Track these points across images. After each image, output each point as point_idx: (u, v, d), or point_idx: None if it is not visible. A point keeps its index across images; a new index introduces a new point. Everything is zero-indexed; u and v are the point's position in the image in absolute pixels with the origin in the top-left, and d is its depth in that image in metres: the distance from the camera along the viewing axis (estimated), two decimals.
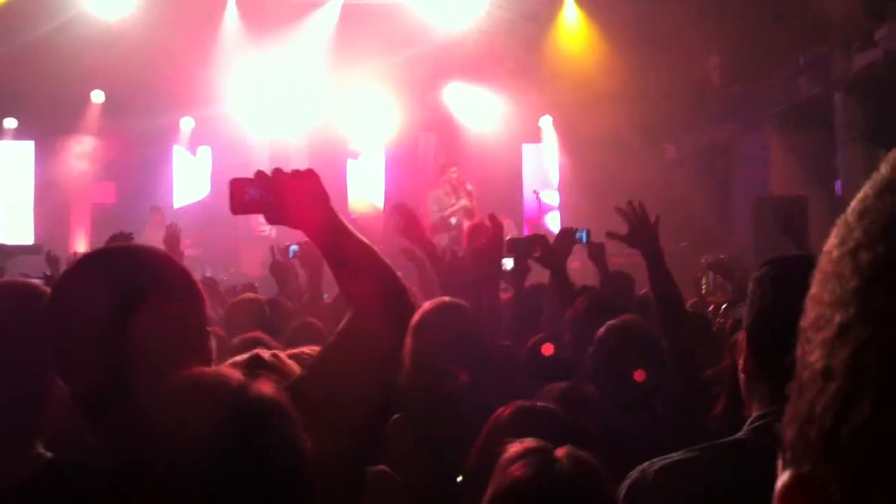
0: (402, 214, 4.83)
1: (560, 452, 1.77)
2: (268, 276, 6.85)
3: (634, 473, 1.92)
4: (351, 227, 1.99)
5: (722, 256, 9.64)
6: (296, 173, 1.95)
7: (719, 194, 13.60)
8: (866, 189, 0.56)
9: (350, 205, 15.29)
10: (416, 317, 3.17)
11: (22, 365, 1.95)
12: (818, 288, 0.57)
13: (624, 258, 11.36)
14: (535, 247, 4.62)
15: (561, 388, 2.99)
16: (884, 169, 0.56)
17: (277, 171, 1.95)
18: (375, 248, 2.00)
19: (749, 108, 12.82)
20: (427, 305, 3.29)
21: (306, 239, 2.40)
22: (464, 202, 11.95)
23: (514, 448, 1.81)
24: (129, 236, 4.69)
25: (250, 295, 5.53)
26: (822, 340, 0.54)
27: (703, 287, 8.49)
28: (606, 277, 5.30)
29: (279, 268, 5.59)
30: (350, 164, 15.73)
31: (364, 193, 15.64)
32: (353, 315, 1.91)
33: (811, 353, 0.55)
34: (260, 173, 1.95)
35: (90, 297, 1.61)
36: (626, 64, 13.22)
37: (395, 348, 2.03)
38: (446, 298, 3.45)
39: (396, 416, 2.91)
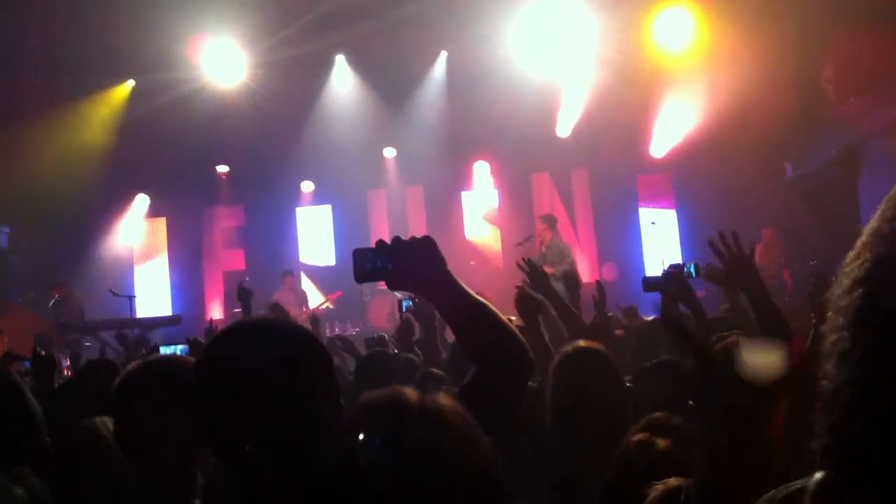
0: (530, 271, 4.99)
1: None
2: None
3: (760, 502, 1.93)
4: (467, 289, 2.05)
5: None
6: (413, 241, 2.04)
7: (845, 208, 13.16)
8: None
9: (467, 234, 15.47)
10: (554, 364, 3.32)
11: (181, 436, 2.09)
12: (837, 300, 0.63)
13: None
14: (671, 283, 4.58)
15: None
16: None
17: (396, 240, 2.03)
18: (492, 305, 2.07)
19: (869, 117, 12.41)
20: (567, 349, 3.38)
21: None
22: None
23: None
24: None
25: (380, 350, 5.68)
26: (839, 354, 0.60)
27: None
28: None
29: (402, 326, 5.82)
30: (465, 197, 15.96)
31: (479, 226, 15.84)
32: (476, 372, 2.00)
33: (833, 369, 0.62)
34: (380, 242, 2.04)
35: (231, 376, 1.69)
36: (737, 81, 12.98)
37: (517, 403, 2.07)
38: (583, 343, 3.51)
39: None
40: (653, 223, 13.94)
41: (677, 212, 15.10)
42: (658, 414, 2.51)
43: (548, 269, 12.51)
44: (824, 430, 0.63)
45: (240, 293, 6.75)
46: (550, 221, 13.00)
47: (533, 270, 5.03)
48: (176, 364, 2.35)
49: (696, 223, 14.29)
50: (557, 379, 3.30)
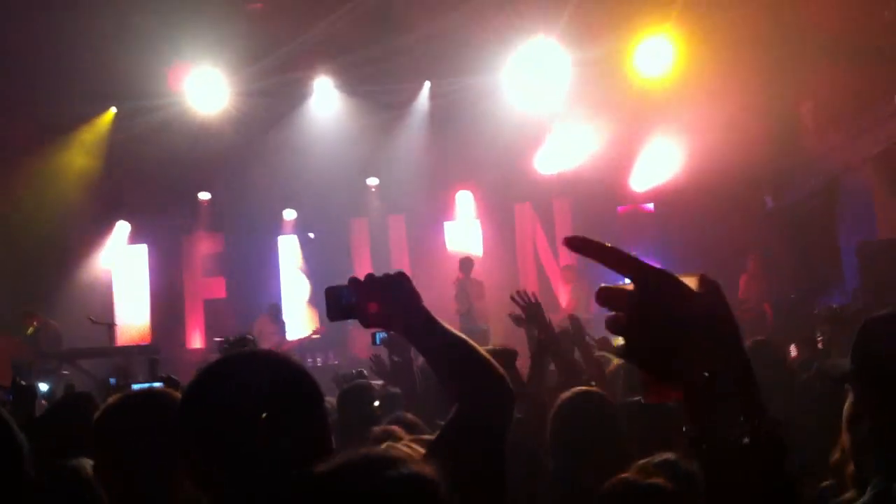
0: (524, 304, 4.92)
1: None
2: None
3: None
4: (443, 323, 2.03)
5: (835, 306, 9.33)
6: (386, 277, 2.02)
7: (824, 240, 13.27)
8: None
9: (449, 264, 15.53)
10: (557, 406, 3.33)
11: (163, 468, 2.08)
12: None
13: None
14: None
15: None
16: None
17: (369, 276, 2.02)
18: (469, 340, 2.05)
19: (847, 150, 12.55)
20: (566, 394, 3.38)
21: None
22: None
23: None
24: (249, 341, 4.83)
25: (361, 382, 5.66)
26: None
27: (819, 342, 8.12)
28: None
29: (374, 363, 5.87)
30: (448, 227, 16.01)
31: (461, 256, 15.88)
32: (457, 409, 1.98)
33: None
34: (352, 280, 2.03)
35: (220, 409, 1.68)
36: (716, 114, 13.10)
37: (499, 436, 2.02)
38: (583, 388, 3.50)
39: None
40: (634, 256, 13.97)
41: (660, 244, 15.14)
42: (645, 461, 2.50)
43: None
44: None
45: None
46: (463, 264, 13.81)
47: (527, 303, 4.94)
48: (156, 397, 2.34)
49: (679, 254, 14.34)
50: (556, 426, 3.29)
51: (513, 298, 5.03)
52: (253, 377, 1.73)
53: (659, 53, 13.58)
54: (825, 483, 2.82)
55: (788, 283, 12.84)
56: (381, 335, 5.12)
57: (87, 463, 2.40)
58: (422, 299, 2.03)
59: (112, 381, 7.72)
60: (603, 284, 1.14)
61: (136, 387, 5.06)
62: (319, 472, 1.38)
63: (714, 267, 13.22)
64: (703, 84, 12.95)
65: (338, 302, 2.05)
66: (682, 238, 14.26)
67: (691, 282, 1.14)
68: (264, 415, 1.65)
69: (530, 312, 4.88)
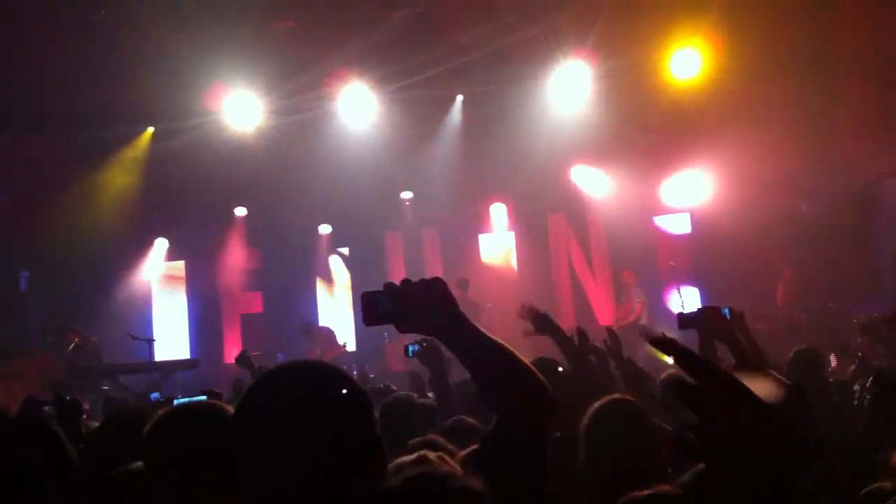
0: (531, 317, 4.87)
1: None
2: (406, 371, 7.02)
3: None
4: (481, 329, 2.03)
5: (875, 315, 9.22)
6: (422, 282, 2.03)
7: (860, 247, 13.14)
8: None
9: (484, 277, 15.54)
10: (588, 416, 3.26)
11: (213, 482, 2.10)
12: None
13: (763, 323, 11.18)
14: (707, 321, 4.50)
15: None
16: None
17: (406, 282, 2.03)
18: (508, 345, 2.04)
19: (881, 159, 12.44)
20: (598, 404, 3.31)
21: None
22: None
23: None
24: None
25: (401, 395, 5.69)
26: None
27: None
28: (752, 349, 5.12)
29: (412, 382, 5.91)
30: (482, 239, 16.01)
31: (495, 268, 15.88)
32: (497, 418, 1.99)
33: None
34: (388, 285, 2.03)
35: (270, 421, 1.68)
36: (750, 121, 13.03)
37: (540, 445, 2.02)
38: (617, 395, 3.45)
39: None
40: (672, 264, 13.91)
41: (695, 253, 15.06)
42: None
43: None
44: None
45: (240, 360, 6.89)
46: (460, 283, 13.79)
47: (534, 317, 4.88)
48: (206, 409, 2.38)
49: (714, 263, 14.26)
50: (589, 434, 3.25)
51: (520, 314, 4.99)
52: (305, 387, 1.73)
53: (691, 63, 13.54)
54: (880, 484, 2.80)
55: (824, 292, 12.71)
56: (413, 347, 5.10)
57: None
58: (458, 305, 2.02)
59: (154, 396, 7.84)
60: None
61: (178, 401, 5.14)
62: (380, 491, 1.45)
63: (749, 276, 13.16)
64: (735, 92, 12.91)
65: (373, 307, 2.04)
66: (717, 247, 14.16)
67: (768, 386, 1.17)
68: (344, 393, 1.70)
69: (540, 323, 4.84)
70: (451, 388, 4.97)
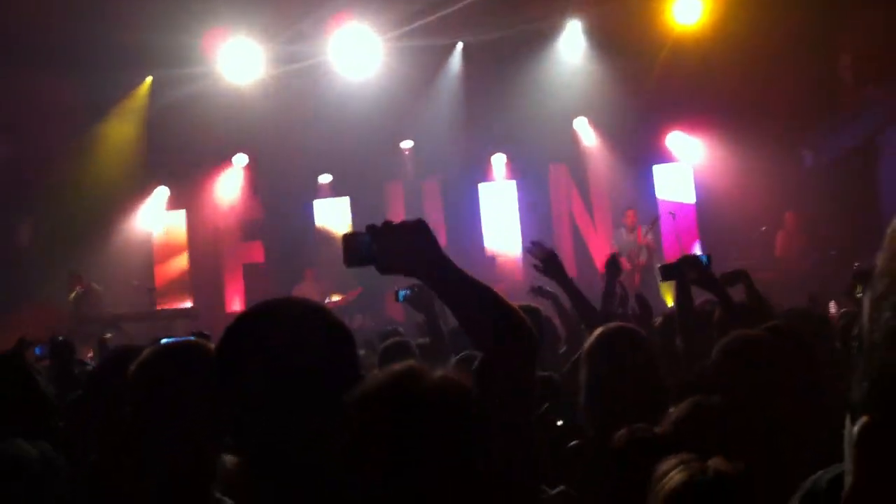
0: (539, 255, 4.87)
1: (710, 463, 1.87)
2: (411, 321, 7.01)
3: (807, 483, 1.95)
4: (464, 272, 2.02)
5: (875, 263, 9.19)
6: (403, 224, 2.03)
7: (865, 197, 13.08)
8: None
9: (486, 243, 15.53)
10: (590, 343, 3.26)
11: (199, 421, 2.12)
12: (888, 263, 0.66)
13: (768, 273, 11.17)
14: (690, 270, 4.50)
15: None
16: None
17: (387, 224, 2.03)
18: (491, 286, 2.04)
19: (887, 104, 12.32)
20: (600, 330, 3.30)
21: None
22: (643, 245, 13.69)
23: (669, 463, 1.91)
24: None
25: (398, 339, 5.72)
26: (893, 304, 0.63)
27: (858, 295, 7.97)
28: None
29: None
30: (482, 189, 16.00)
31: (498, 224, 15.83)
32: (482, 358, 1.98)
33: (882, 316, 0.64)
34: (370, 227, 2.04)
35: (258, 353, 1.70)
36: (753, 69, 12.91)
37: (526, 382, 2.04)
38: (617, 324, 3.44)
39: (575, 442, 2.97)
40: (672, 214, 13.87)
41: (697, 201, 15.03)
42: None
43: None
44: (869, 373, 0.66)
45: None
46: None
47: (543, 254, 4.89)
48: (191, 347, 2.37)
49: (716, 213, 14.23)
50: (592, 355, 3.20)
51: (529, 251, 4.97)
52: (288, 320, 1.76)
53: (693, 8, 13.38)
54: None
55: (828, 241, 12.68)
56: (403, 292, 5.14)
57: None
58: (440, 245, 2.03)
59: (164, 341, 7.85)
60: None
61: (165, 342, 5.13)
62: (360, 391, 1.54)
63: (751, 224, 13.13)
64: (737, 37, 12.75)
65: (355, 248, 2.05)
66: (719, 196, 14.12)
67: None
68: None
69: (549, 265, 4.83)
70: (443, 333, 4.99)
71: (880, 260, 0.69)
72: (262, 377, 1.67)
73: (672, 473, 1.90)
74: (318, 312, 1.80)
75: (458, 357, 3.88)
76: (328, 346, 1.74)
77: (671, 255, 13.73)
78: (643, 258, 13.60)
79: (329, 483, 1.59)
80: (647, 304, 5.48)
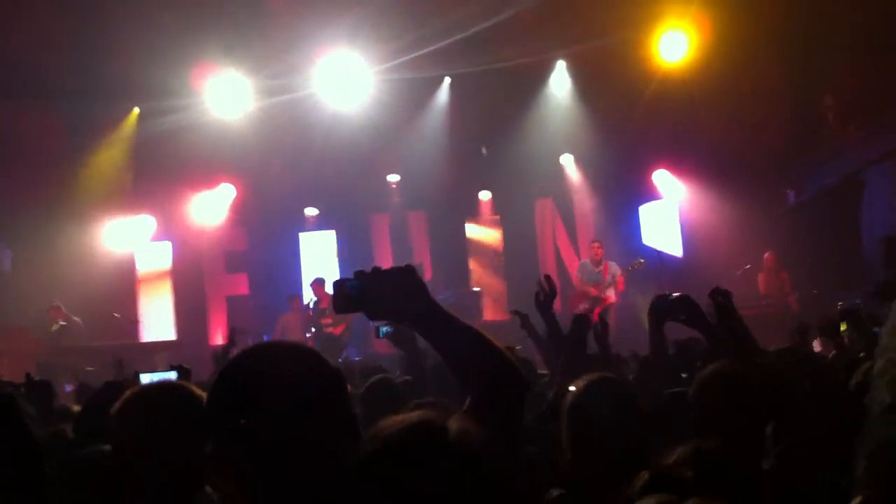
0: (545, 287, 4.98)
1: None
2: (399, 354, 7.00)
3: None
4: (452, 316, 2.03)
5: (858, 302, 9.21)
6: (393, 270, 2.03)
7: (848, 235, 13.18)
8: None
9: (471, 277, 15.55)
10: (570, 398, 3.15)
11: (180, 462, 2.12)
12: (889, 338, 0.66)
13: (752, 310, 11.20)
14: (680, 309, 4.50)
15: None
16: None
17: (376, 270, 2.03)
18: (480, 330, 2.04)
19: (869, 144, 12.45)
20: (580, 384, 3.18)
21: None
22: (608, 280, 13.37)
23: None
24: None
25: (382, 375, 5.71)
26: (888, 382, 0.64)
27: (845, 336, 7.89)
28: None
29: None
30: (468, 228, 16.02)
31: (485, 256, 15.87)
32: (471, 400, 1.97)
33: (877, 394, 0.65)
34: (359, 272, 2.03)
35: (250, 397, 1.70)
36: (737, 107, 13.03)
37: (514, 424, 2.04)
38: (596, 375, 3.41)
39: (559, 492, 2.95)
40: (661, 260, 13.92)
41: (682, 238, 15.11)
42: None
43: (328, 320, 13.53)
44: (867, 450, 0.67)
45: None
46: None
47: (546, 288, 5.00)
48: (172, 388, 2.37)
49: (699, 249, 14.31)
50: (574, 410, 3.17)
51: (540, 283, 5.03)
52: (278, 367, 1.76)
53: (678, 47, 13.53)
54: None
55: (810, 279, 12.76)
56: (385, 329, 5.10)
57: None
58: (429, 292, 2.03)
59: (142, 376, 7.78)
60: None
61: (145, 377, 5.09)
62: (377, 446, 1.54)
63: (735, 261, 13.20)
64: (722, 77, 12.89)
65: (344, 294, 2.05)
66: (703, 234, 14.21)
67: None
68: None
69: (546, 301, 4.96)
70: (425, 369, 4.99)
71: (884, 334, 0.70)
72: (255, 419, 1.67)
73: None
74: (310, 355, 1.81)
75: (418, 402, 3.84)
76: (321, 388, 1.75)
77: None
78: (609, 295, 13.36)
79: None
80: (605, 324, 5.51)
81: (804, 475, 3.02)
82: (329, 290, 13.72)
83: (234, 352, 6.62)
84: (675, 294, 4.61)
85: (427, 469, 1.50)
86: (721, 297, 4.40)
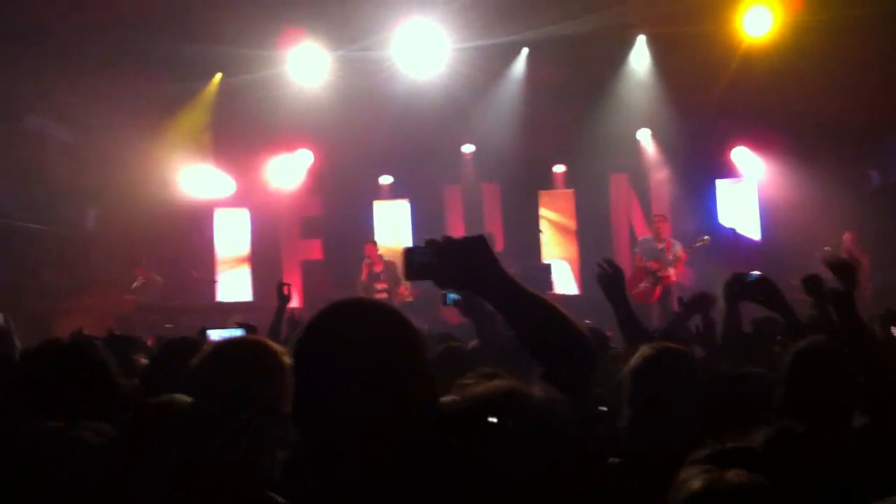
0: (610, 271, 4.77)
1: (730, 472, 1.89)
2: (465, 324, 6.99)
3: None
4: (523, 287, 2.04)
5: None
6: (464, 239, 2.05)
7: None
8: None
9: (543, 251, 15.49)
10: (635, 365, 3.19)
11: (259, 416, 2.19)
12: None
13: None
14: (759, 290, 4.42)
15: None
16: None
17: (447, 238, 2.06)
18: (550, 299, 2.05)
19: None
20: (646, 351, 3.23)
21: None
22: (671, 258, 12.74)
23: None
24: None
25: (453, 343, 5.73)
26: None
27: None
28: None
29: None
30: (542, 200, 15.98)
31: (557, 229, 15.82)
32: (543, 374, 1.98)
33: None
34: (430, 240, 2.07)
35: (326, 357, 1.75)
36: (823, 85, 12.69)
37: (583, 396, 2.03)
38: (665, 344, 3.36)
39: (616, 459, 2.96)
40: (733, 230, 13.72)
41: (760, 218, 14.85)
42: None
43: (381, 285, 13.18)
44: None
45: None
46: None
47: (609, 272, 4.76)
48: (254, 344, 2.43)
49: (777, 230, 14.06)
50: (639, 375, 3.13)
51: (598, 265, 4.81)
52: (361, 323, 1.80)
53: (763, 20, 13.21)
54: None
55: (893, 263, 12.43)
56: (452, 296, 5.05)
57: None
58: (498, 262, 2.04)
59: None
60: None
61: (213, 332, 5.20)
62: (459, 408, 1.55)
63: (813, 243, 12.91)
64: (807, 53, 12.54)
65: (415, 262, 2.08)
66: (781, 214, 13.95)
67: None
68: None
69: (615, 283, 4.73)
70: (494, 338, 4.96)
71: None
72: (337, 373, 1.71)
73: (690, 480, 1.91)
74: (393, 313, 1.85)
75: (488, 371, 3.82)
76: (403, 345, 1.78)
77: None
78: (670, 274, 12.89)
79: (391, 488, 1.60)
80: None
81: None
82: (381, 253, 13.87)
83: (288, 308, 6.72)
84: (754, 274, 4.53)
85: (512, 433, 1.50)
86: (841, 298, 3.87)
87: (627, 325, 4.69)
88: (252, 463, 2.22)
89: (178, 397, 2.55)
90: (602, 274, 4.78)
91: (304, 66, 14.06)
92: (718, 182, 15.22)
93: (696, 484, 1.89)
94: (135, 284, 13.48)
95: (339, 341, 1.75)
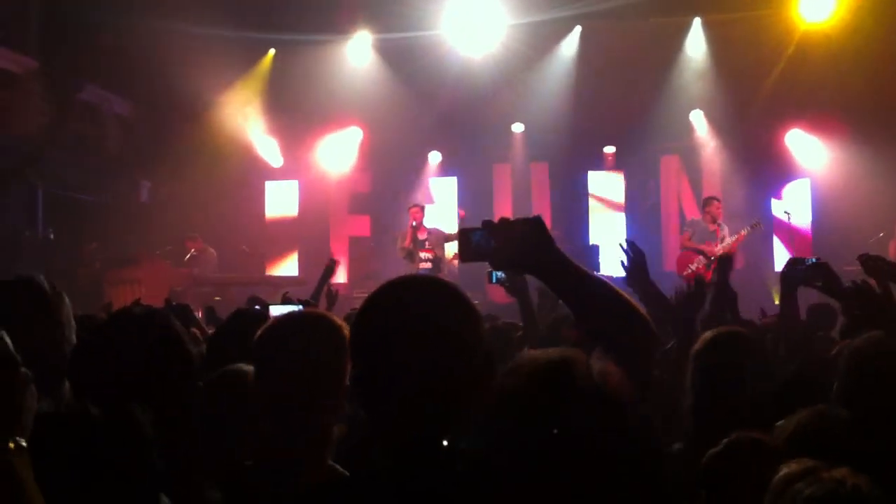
0: (633, 256, 4.53)
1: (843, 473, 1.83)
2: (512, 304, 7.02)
3: None
4: (581, 268, 2.02)
5: None
6: (521, 221, 2.02)
7: None
8: None
9: (590, 231, 15.43)
10: (699, 345, 3.18)
11: (322, 389, 2.24)
12: None
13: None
14: (817, 276, 4.36)
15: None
16: None
17: (503, 220, 2.04)
18: (609, 282, 2.03)
19: None
20: (708, 335, 3.22)
21: None
22: (723, 241, 12.23)
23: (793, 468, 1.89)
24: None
25: (497, 322, 5.77)
26: None
27: None
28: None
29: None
30: (591, 176, 15.93)
31: (603, 206, 15.76)
32: (607, 359, 2.01)
33: None
34: (486, 222, 2.05)
35: (392, 328, 1.73)
36: (882, 69, 12.45)
37: (644, 377, 1.99)
38: (729, 327, 3.38)
39: (679, 445, 2.99)
40: (787, 213, 13.55)
41: (812, 203, 14.66)
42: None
43: (427, 252, 12.67)
44: None
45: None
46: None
47: (633, 253, 4.50)
48: (318, 318, 2.45)
49: (831, 215, 13.86)
50: (701, 358, 3.12)
51: (621, 246, 4.56)
52: (419, 298, 1.80)
53: (823, 4, 12.98)
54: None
55: None
56: (497, 275, 4.99)
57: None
58: (555, 243, 2.02)
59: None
60: None
61: (275, 308, 5.26)
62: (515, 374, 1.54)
63: (868, 228, 12.72)
64: (867, 36, 12.30)
65: (470, 243, 2.07)
66: (835, 198, 13.75)
67: None
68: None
69: (637, 268, 4.50)
70: (536, 318, 4.93)
71: None
72: (398, 347, 1.71)
73: (800, 485, 1.84)
74: (452, 288, 1.84)
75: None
76: (462, 320, 1.77)
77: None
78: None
79: (455, 462, 1.62)
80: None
81: None
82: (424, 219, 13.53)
83: (331, 283, 6.75)
84: (812, 259, 4.48)
85: (569, 404, 1.50)
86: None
87: (655, 304, 4.35)
88: (324, 437, 2.28)
89: (243, 367, 2.61)
90: (627, 259, 4.53)
91: (357, 44, 14.11)
92: (770, 167, 14.99)
93: (812, 490, 1.82)
94: (187, 256, 13.67)
95: (400, 318, 1.75)
